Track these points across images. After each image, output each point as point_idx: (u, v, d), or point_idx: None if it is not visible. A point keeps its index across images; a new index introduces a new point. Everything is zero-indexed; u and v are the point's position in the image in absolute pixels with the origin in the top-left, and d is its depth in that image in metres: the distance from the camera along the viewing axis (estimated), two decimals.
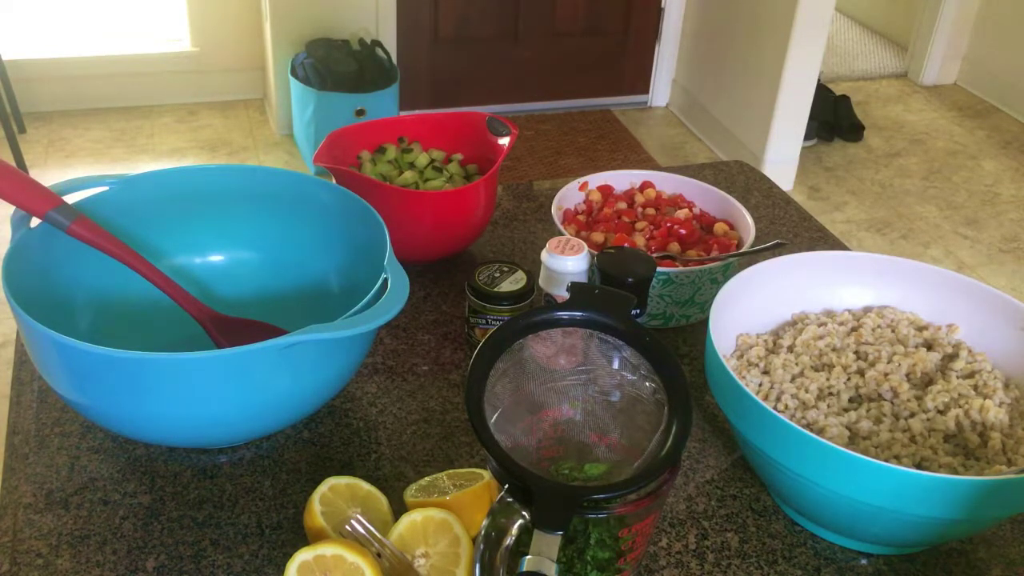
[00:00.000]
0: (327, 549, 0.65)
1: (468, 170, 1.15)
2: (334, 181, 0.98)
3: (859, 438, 0.75)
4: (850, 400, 0.79)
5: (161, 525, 0.75)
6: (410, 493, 0.74)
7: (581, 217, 1.06)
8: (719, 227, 1.04)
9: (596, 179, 1.11)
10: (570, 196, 1.08)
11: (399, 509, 0.73)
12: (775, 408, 0.78)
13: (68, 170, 2.94)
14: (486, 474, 0.74)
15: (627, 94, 3.59)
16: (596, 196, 1.09)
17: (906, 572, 0.75)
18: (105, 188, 0.90)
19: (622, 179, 1.13)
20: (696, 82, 3.43)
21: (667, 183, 1.13)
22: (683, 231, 1.01)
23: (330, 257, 0.93)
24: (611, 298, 0.67)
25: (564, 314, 0.66)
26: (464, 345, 0.97)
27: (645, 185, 1.12)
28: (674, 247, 1.00)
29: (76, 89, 3.23)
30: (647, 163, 3.19)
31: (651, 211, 1.06)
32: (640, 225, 1.03)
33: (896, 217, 3.01)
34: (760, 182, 1.34)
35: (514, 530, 0.58)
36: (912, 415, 0.77)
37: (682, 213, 1.05)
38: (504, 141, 1.10)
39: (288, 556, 0.65)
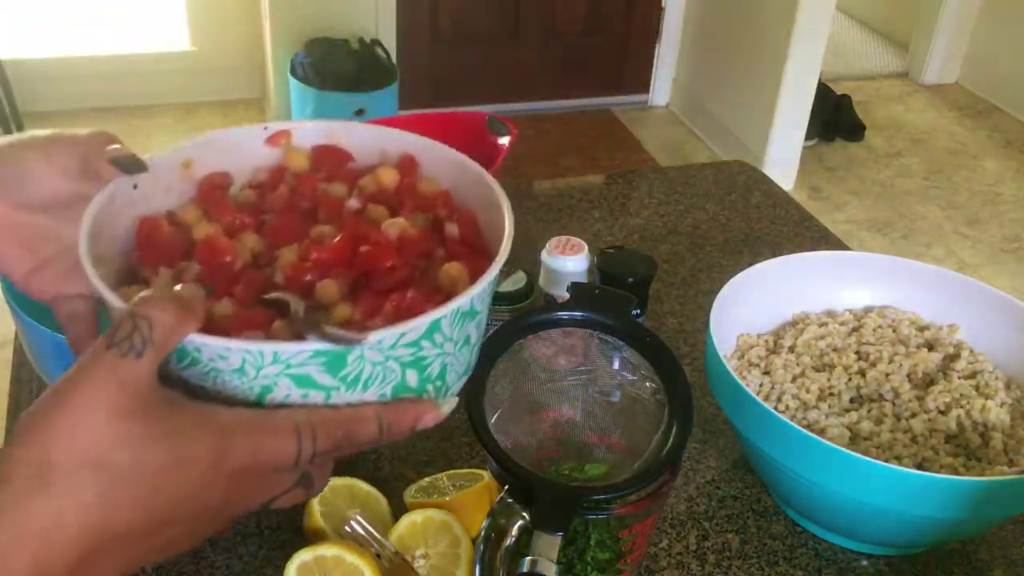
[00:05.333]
0: (327, 550, 0.65)
1: None
2: None
3: (860, 438, 0.75)
4: (851, 400, 0.79)
5: None
6: (410, 494, 0.74)
7: (246, 193, 0.58)
8: (446, 272, 0.52)
9: (312, 130, 0.60)
10: (245, 152, 0.59)
11: (399, 510, 0.73)
12: (776, 408, 0.77)
13: None
14: (486, 475, 0.74)
15: (627, 94, 3.58)
16: (299, 163, 0.59)
17: (907, 573, 0.75)
18: None
19: (367, 142, 0.61)
20: (697, 82, 3.43)
21: (443, 161, 0.59)
22: (381, 262, 0.52)
23: None
24: (611, 298, 0.67)
25: (564, 314, 0.66)
26: None
27: (403, 162, 0.60)
28: (324, 289, 0.50)
29: (75, 89, 3.22)
30: (647, 162, 3.19)
31: (376, 213, 0.56)
32: (320, 230, 0.54)
33: (897, 217, 3.01)
34: (761, 182, 1.34)
35: (514, 531, 0.58)
36: (913, 415, 0.77)
37: (398, 225, 0.54)
38: (504, 141, 1.09)
39: (288, 557, 0.65)
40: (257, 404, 0.45)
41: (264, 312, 0.48)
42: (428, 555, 0.68)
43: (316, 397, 0.45)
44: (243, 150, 0.59)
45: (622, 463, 0.67)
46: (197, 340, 0.43)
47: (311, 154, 0.60)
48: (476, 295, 0.48)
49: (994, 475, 0.71)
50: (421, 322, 0.45)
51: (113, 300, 0.45)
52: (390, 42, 3.10)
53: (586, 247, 0.93)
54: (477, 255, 0.55)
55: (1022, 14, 3.59)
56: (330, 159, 0.60)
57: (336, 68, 2.83)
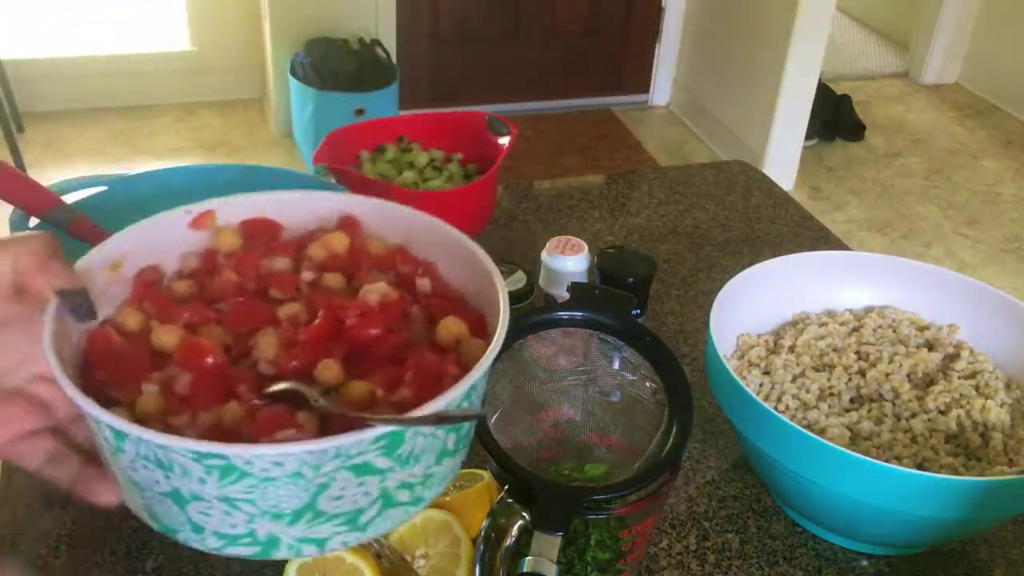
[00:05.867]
0: None
1: (468, 170, 1.14)
2: (334, 181, 0.98)
3: (860, 438, 0.75)
4: (851, 400, 0.79)
5: None
6: None
7: (183, 285, 0.55)
8: (445, 328, 0.52)
9: (236, 204, 0.58)
10: (170, 240, 0.56)
11: None
12: (776, 408, 0.77)
13: (67, 170, 2.93)
14: (486, 475, 0.74)
15: (627, 93, 3.58)
16: (230, 242, 0.57)
17: (907, 573, 0.75)
18: (104, 188, 0.89)
19: (299, 209, 0.59)
20: (697, 81, 3.43)
21: (387, 217, 0.58)
22: (364, 329, 0.51)
23: None
24: (611, 298, 0.67)
25: (564, 314, 0.66)
26: None
27: (343, 224, 0.59)
28: (327, 370, 0.49)
29: (75, 89, 3.22)
30: (647, 162, 3.19)
31: (333, 281, 0.55)
32: (289, 309, 0.52)
33: (897, 217, 3.00)
34: (761, 182, 1.34)
35: (514, 531, 0.58)
36: (913, 415, 0.77)
37: (376, 290, 0.53)
38: (504, 141, 1.09)
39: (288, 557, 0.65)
40: (309, 506, 0.43)
41: (282, 408, 0.45)
42: (428, 555, 0.68)
43: (371, 484, 0.44)
44: (168, 238, 0.55)
45: (622, 463, 0.67)
46: (248, 453, 0.40)
47: (240, 230, 0.56)
48: (495, 351, 0.47)
49: (994, 475, 0.71)
50: (463, 387, 0.44)
51: (126, 425, 0.41)
52: (390, 42, 3.10)
53: (586, 247, 0.93)
54: (453, 303, 0.54)
55: (1022, 14, 3.59)
56: (261, 233, 0.57)
57: (336, 68, 2.83)
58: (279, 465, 0.41)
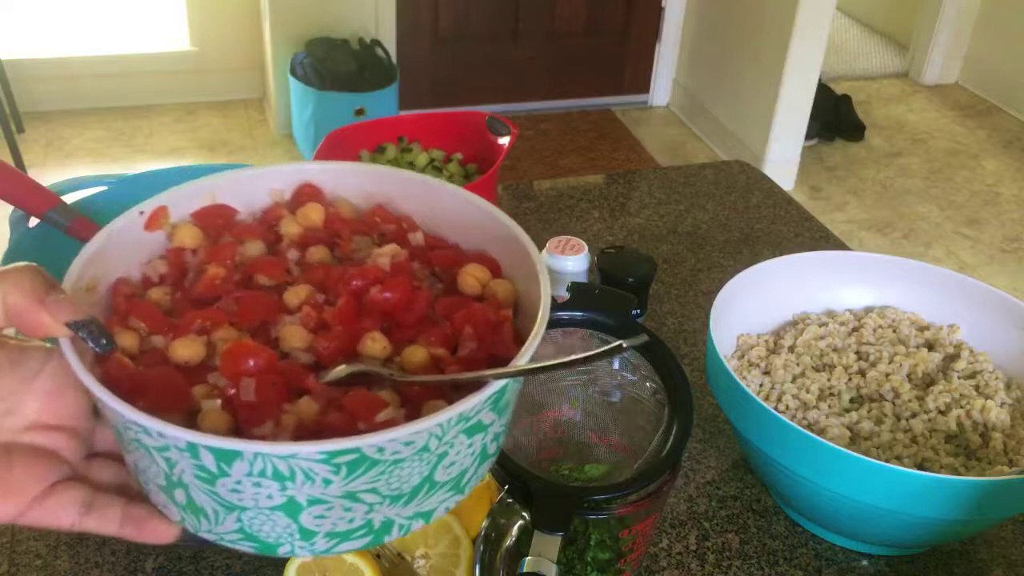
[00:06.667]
0: None
1: (468, 170, 1.14)
2: None
3: (860, 439, 0.75)
4: (851, 400, 0.79)
5: None
6: None
7: (159, 294, 0.51)
8: (470, 276, 0.51)
9: (187, 195, 0.54)
10: (132, 245, 0.52)
11: None
12: (776, 408, 0.77)
13: (67, 170, 2.93)
14: (486, 475, 0.74)
15: (627, 94, 3.58)
16: (191, 237, 0.53)
17: (907, 573, 0.75)
18: (104, 188, 0.89)
19: (251, 188, 0.56)
20: (697, 82, 3.43)
21: (349, 179, 0.56)
22: (390, 295, 0.48)
23: None
24: (611, 298, 0.67)
25: (564, 314, 0.66)
26: None
27: (303, 195, 0.56)
28: (375, 343, 0.47)
29: (75, 89, 3.22)
30: (647, 162, 3.19)
31: (319, 255, 0.52)
32: (298, 293, 0.49)
33: (897, 217, 3.00)
34: (761, 182, 1.33)
35: (514, 531, 0.58)
36: (913, 415, 0.77)
37: (386, 252, 0.51)
38: (504, 141, 1.09)
39: (288, 557, 0.65)
40: (427, 479, 0.42)
41: (362, 390, 0.43)
42: (428, 555, 0.68)
43: (476, 443, 0.44)
44: (129, 244, 0.51)
45: (622, 463, 0.67)
46: (381, 439, 0.39)
47: (195, 222, 0.54)
48: (546, 279, 0.47)
49: (994, 475, 0.71)
50: (542, 326, 0.45)
51: (244, 444, 0.39)
52: (390, 42, 3.10)
53: (586, 247, 0.93)
54: (452, 250, 0.53)
55: (1022, 14, 3.59)
56: (217, 220, 0.54)
57: (336, 68, 2.83)
58: (409, 444, 0.40)
